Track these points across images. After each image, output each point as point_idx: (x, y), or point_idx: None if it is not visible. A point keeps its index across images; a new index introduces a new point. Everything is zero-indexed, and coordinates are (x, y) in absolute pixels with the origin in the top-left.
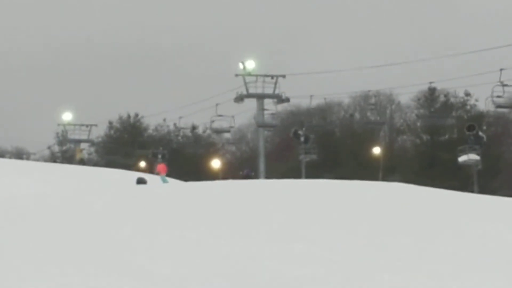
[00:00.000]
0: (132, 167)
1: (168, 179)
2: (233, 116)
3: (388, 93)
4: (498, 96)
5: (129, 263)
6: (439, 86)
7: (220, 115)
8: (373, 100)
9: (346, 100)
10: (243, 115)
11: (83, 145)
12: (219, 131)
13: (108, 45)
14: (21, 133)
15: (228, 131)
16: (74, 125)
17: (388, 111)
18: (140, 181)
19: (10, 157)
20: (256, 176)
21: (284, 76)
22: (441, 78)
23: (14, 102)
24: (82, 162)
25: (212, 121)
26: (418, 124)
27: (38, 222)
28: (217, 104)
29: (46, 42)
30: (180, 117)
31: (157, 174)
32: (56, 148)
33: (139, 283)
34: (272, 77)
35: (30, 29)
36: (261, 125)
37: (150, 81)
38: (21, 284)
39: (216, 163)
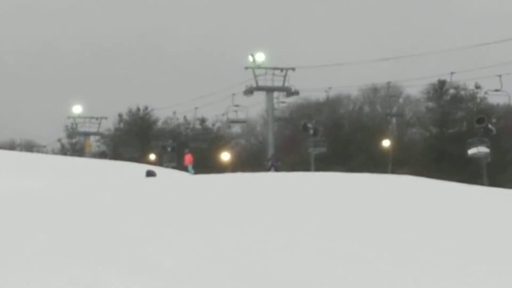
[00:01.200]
0: (142, 159)
1: (177, 171)
2: (246, 108)
3: (397, 85)
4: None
5: (139, 257)
6: (448, 78)
7: (237, 105)
8: (382, 93)
9: (355, 93)
10: (252, 108)
11: (92, 138)
12: (235, 122)
13: (119, 39)
14: (31, 125)
15: (244, 122)
16: (84, 117)
17: (397, 104)
18: (150, 173)
19: (20, 150)
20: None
21: (293, 69)
22: (450, 70)
23: (25, 95)
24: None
25: (228, 112)
26: (428, 116)
27: (47, 216)
28: (233, 94)
29: (55, 34)
30: (196, 108)
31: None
32: (66, 141)
33: (147, 276)
34: (281, 70)
35: (39, 22)
36: (275, 118)
37: (160, 75)
38: (30, 278)
39: (225, 156)
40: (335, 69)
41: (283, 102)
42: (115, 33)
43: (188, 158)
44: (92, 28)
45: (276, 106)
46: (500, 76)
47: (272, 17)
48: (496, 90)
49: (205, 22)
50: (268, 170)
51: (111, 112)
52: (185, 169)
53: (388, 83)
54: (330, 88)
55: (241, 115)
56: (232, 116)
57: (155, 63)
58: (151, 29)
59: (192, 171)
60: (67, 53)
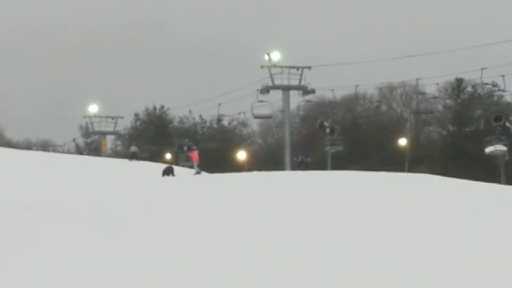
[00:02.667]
0: (158, 159)
1: (193, 171)
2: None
3: (414, 84)
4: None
5: (156, 256)
6: (466, 76)
7: (261, 101)
8: (398, 91)
9: (370, 91)
10: (269, 107)
11: (109, 137)
12: (260, 117)
13: (134, 39)
14: (47, 125)
15: (269, 117)
16: (100, 117)
17: (414, 102)
18: (166, 172)
19: (36, 149)
20: (278, 166)
21: (309, 68)
22: (468, 68)
23: (41, 94)
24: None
25: (253, 107)
26: (445, 115)
27: (64, 215)
28: (257, 90)
29: (71, 34)
30: (219, 104)
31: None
32: (81, 140)
33: (162, 275)
34: (297, 68)
35: (56, 21)
36: (292, 117)
37: (173, 74)
38: (48, 276)
39: (241, 155)
40: (351, 68)
41: (308, 101)
42: (128, 32)
43: (194, 156)
44: (107, 26)
45: (299, 104)
46: (503, 76)
47: (287, 16)
48: (501, 90)
49: (220, 22)
50: (297, 166)
51: (126, 111)
52: (201, 167)
53: (417, 80)
54: (357, 85)
55: (265, 111)
56: (256, 111)
57: (169, 63)
58: (164, 28)
59: (197, 169)
60: (83, 50)
